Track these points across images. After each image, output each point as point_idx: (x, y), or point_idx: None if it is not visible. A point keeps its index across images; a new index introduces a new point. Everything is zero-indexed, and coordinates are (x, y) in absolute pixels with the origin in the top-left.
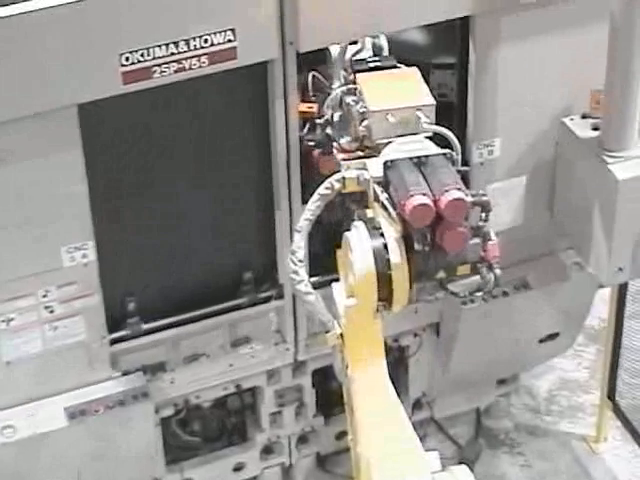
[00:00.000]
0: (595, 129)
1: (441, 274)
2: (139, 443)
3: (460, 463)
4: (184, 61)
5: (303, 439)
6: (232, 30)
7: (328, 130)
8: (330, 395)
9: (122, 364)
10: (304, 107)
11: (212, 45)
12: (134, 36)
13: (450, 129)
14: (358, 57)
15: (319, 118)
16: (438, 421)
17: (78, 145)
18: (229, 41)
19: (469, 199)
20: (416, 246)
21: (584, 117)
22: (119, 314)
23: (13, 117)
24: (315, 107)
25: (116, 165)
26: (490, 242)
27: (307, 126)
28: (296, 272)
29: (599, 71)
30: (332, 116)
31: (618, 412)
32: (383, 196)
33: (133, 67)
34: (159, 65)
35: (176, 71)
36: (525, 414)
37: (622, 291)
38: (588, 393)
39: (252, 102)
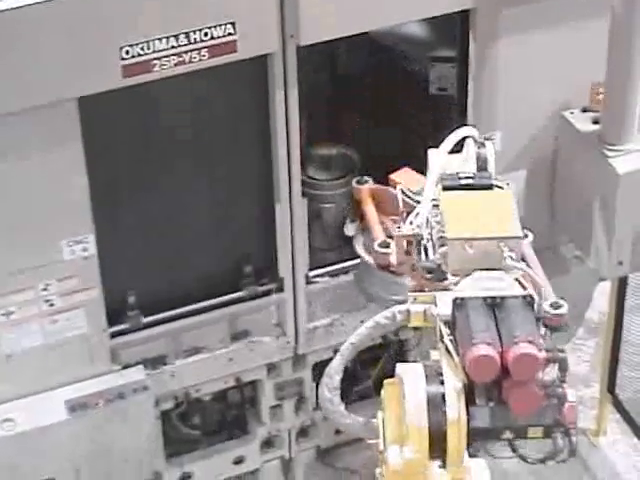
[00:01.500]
0: (595, 122)
1: (507, 435)
2: (139, 436)
3: None
4: (184, 54)
5: (303, 432)
6: (232, 23)
7: (432, 252)
8: None
9: (122, 357)
10: (409, 230)
11: (212, 38)
12: (134, 29)
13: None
14: (451, 171)
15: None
16: None
17: (78, 138)
18: (229, 34)
19: (542, 355)
20: (477, 401)
21: (584, 111)
22: (119, 307)
23: (13, 110)
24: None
25: (116, 158)
26: (568, 404)
27: (416, 251)
28: (331, 401)
29: (599, 65)
30: (430, 235)
31: (618, 405)
32: (447, 338)
33: (133, 60)
34: (159, 58)
35: (176, 64)
36: None
37: (622, 284)
38: (588, 386)
39: (252, 95)
